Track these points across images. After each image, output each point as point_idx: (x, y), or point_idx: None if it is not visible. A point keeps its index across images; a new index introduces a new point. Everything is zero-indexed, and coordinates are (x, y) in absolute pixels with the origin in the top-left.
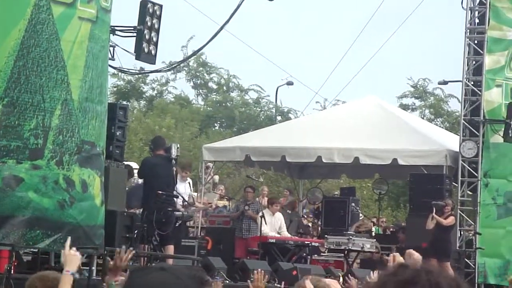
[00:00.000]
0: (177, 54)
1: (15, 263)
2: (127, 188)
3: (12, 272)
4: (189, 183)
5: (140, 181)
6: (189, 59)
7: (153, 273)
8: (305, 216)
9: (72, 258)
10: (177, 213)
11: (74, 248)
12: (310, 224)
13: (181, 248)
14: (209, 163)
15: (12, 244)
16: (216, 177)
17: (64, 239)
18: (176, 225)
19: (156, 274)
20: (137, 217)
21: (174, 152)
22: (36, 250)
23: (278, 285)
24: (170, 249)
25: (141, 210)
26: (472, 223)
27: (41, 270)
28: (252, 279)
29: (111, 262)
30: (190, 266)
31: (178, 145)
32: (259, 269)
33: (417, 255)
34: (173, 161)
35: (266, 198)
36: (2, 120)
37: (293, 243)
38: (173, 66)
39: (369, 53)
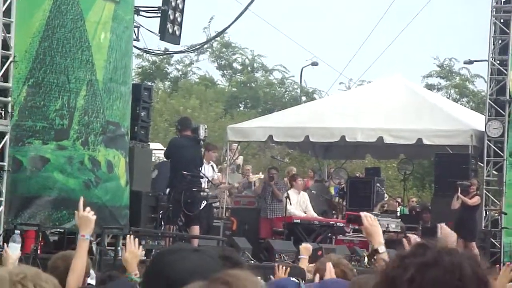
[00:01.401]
0: (198, 35)
1: (42, 243)
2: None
3: (38, 252)
4: (212, 165)
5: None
6: (213, 40)
7: (189, 255)
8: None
9: (87, 220)
10: (202, 193)
11: (88, 209)
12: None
13: (207, 228)
14: (234, 144)
15: (38, 224)
16: (240, 158)
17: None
18: (202, 205)
19: (193, 256)
20: (162, 198)
21: (202, 133)
22: (62, 230)
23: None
24: (195, 230)
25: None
26: (498, 202)
27: (67, 250)
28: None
29: (126, 252)
30: (220, 247)
31: (206, 126)
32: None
33: (449, 231)
34: (201, 142)
35: None
36: (27, 101)
37: (318, 223)
38: (197, 47)
39: (394, 32)
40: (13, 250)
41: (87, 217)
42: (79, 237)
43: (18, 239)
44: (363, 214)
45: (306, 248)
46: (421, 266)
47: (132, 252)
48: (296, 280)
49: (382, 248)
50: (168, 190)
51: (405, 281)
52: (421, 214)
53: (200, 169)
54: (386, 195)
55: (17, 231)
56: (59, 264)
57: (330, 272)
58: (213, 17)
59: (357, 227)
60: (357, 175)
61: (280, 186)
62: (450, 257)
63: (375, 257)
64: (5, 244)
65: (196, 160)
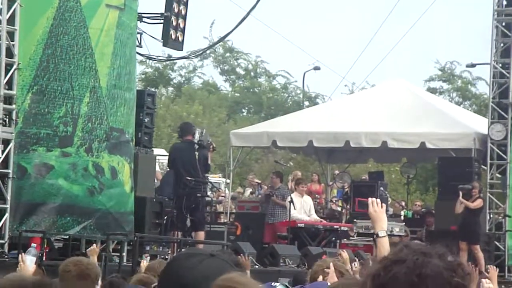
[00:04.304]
0: (201, 40)
1: (47, 250)
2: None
3: (44, 258)
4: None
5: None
6: (215, 46)
7: (205, 260)
8: (333, 201)
9: None
10: (207, 199)
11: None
12: (339, 209)
13: (210, 233)
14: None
15: (43, 231)
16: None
17: (95, 226)
18: (207, 210)
19: (209, 261)
20: (167, 203)
21: (197, 137)
22: (67, 237)
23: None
24: (201, 235)
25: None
26: (502, 205)
27: (72, 256)
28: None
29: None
30: (222, 250)
31: (203, 130)
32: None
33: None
34: (196, 146)
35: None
36: (32, 108)
37: (322, 228)
38: (200, 52)
39: (397, 36)
40: (29, 263)
41: None
42: None
43: (34, 252)
44: (370, 200)
45: None
46: (389, 263)
47: None
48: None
49: (382, 233)
50: (173, 195)
51: (370, 276)
52: (425, 218)
53: (200, 172)
54: (389, 198)
55: (34, 244)
56: (71, 268)
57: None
58: (214, 22)
59: (361, 231)
60: (364, 178)
61: (284, 191)
62: (418, 256)
63: (376, 241)
64: (20, 254)
65: (194, 163)
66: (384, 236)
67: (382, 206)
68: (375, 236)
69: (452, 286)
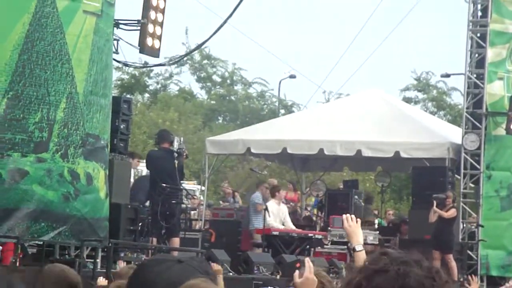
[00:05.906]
0: (178, 47)
1: (21, 256)
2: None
3: (17, 264)
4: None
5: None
6: (192, 53)
7: (173, 266)
8: (308, 209)
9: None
10: (181, 205)
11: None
12: (314, 217)
13: (185, 240)
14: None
15: (17, 236)
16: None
17: (69, 232)
18: (182, 217)
19: (177, 267)
20: (142, 210)
21: (176, 145)
22: (41, 243)
23: (282, 277)
24: (175, 242)
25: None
26: (475, 215)
27: (46, 263)
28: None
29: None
30: (192, 256)
31: (182, 138)
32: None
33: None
34: (175, 154)
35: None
36: (7, 113)
37: (296, 236)
38: (177, 60)
39: (372, 46)
40: None
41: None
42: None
43: None
44: (344, 216)
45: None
46: (371, 273)
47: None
48: None
49: (359, 247)
50: (148, 202)
51: (352, 285)
52: (399, 227)
53: (177, 180)
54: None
55: None
56: (76, 280)
57: (309, 269)
58: (187, 29)
59: (335, 239)
60: (341, 187)
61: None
62: (399, 266)
63: (352, 255)
64: None
65: (172, 171)
66: (361, 250)
67: (357, 221)
68: (352, 250)
69: None
